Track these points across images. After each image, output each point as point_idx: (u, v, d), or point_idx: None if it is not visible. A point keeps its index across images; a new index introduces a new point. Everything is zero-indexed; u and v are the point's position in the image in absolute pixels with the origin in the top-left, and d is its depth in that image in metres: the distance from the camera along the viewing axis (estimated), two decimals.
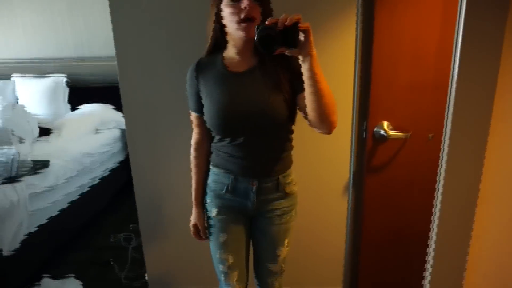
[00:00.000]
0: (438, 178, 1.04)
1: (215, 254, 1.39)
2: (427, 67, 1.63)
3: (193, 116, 1.35)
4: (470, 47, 0.92)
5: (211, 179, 1.36)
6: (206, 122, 1.26)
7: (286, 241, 1.41)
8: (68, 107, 3.57)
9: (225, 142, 1.27)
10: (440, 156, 1.05)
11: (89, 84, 3.61)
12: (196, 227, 1.42)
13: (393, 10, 1.58)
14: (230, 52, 1.23)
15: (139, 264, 2.40)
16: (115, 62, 1.76)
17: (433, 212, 1.11)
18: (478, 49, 0.92)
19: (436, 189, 1.08)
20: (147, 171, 1.89)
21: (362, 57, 1.69)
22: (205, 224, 1.42)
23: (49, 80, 3.50)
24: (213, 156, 1.35)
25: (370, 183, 1.80)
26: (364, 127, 1.75)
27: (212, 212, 1.36)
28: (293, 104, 1.22)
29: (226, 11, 1.14)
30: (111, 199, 3.26)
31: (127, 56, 1.73)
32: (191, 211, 1.42)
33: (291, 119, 1.25)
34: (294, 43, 1.00)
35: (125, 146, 3.46)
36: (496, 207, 1.01)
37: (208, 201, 1.37)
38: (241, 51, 1.21)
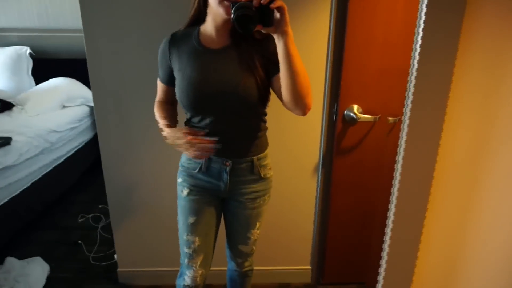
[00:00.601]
0: (396, 160, 1.08)
1: (182, 236, 1.36)
2: (397, 52, 1.65)
3: (160, 85, 1.35)
4: (430, 33, 0.95)
5: (184, 158, 1.34)
6: (177, 97, 1.25)
7: (258, 225, 1.41)
8: (32, 80, 3.39)
9: (196, 119, 1.26)
10: (400, 140, 1.09)
11: (55, 57, 3.43)
12: (184, 131, 1.20)
13: (364, 1, 1.57)
14: (208, 28, 1.20)
15: (108, 244, 2.37)
16: (81, 34, 1.67)
17: (391, 193, 1.16)
18: (438, 34, 0.95)
19: (395, 171, 1.12)
20: (117, 149, 1.84)
21: (335, 40, 1.69)
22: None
23: (10, 51, 3.30)
24: None
25: (339, 164, 1.84)
26: (335, 109, 1.77)
27: (184, 191, 1.33)
28: (265, 87, 1.20)
29: None
30: (79, 177, 3.17)
31: (94, 28, 1.65)
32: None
33: (263, 101, 1.24)
34: (270, 21, 1.00)
35: (94, 123, 3.36)
36: (449, 192, 1.06)
37: (180, 180, 1.35)
38: (218, 29, 1.18)
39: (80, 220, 2.70)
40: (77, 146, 3.10)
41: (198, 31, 1.22)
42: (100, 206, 2.81)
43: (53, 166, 2.76)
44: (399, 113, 1.74)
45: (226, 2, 1.08)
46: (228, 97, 1.17)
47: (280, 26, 1.01)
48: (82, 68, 2.02)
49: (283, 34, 1.02)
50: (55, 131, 2.80)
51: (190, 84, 1.19)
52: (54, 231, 2.59)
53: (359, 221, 1.94)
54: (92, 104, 3.28)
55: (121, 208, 1.96)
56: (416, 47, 1.00)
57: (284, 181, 1.91)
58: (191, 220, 1.33)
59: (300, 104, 1.11)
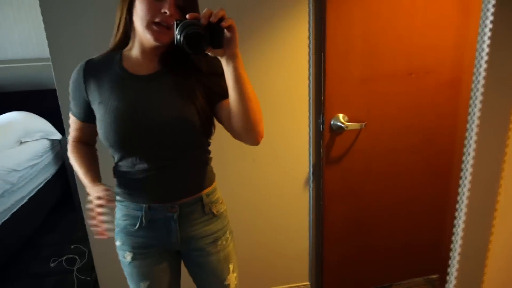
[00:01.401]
0: (464, 164, 1.08)
1: None
2: (377, 58, 1.69)
3: (75, 122, 1.11)
4: (498, 39, 0.95)
5: (119, 215, 1.12)
6: (101, 136, 1.02)
7: (231, 267, 1.19)
8: None
9: (128, 162, 1.05)
10: (466, 144, 1.10)
11: (5, 90, 3.18)
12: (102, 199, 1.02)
13: (342, 5, 1.60)
14: (133, 52, 1.02)
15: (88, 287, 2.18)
16: (33, 64, 1.54)
17: (459, 197, 1.16)
18: (506, 40, 0.95)
19: (462, 176, 1.13)
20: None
21: (316, 51, 1.69)
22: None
23: None
24: (117, 183, 1.11)
25: (329, 174, 1.83)
26: (321, 120, 1.77)
27: (126, 256, 1.13)
28: (207, 116, 1.04)
29: (141, 6, 0.93)
30: (45, 218, 2.92)
31: (63, 57, 1.53)
32: None
33: (206, 133, 1.07)
34: (219, 42, 0.86)
35: (56, 156, 3.13)
36: None
37: (118, 243, 1.14)
38: (146, 52, 1.01)
39: (53, 264, 2.46)
40: (40, 184, 2.86)
41: (121, 56, 1.04)
42: (72, 247, 2.59)
43: (15, 208, 2.51)
44: (384, 118, 1.77)
45: (155, 27, 0.93)
46: (165, 130, 0.99)
47: (229, 48, 0.86)
48: (37, 99, 1.86)
49: (233, 56, 0.88)
50: (15, 170, 2.57)
51: (117, 117, 0.98)
52: (24, 280, 2.34)
53: (354, 229, 1.93)
54: (52, 136, 3.07)
55: (103, 245, 1.80)
56: (481, 55, 1.00)
57: (275, 196, 1.87)
58: (143, 286, 1.14)
59: (252, 132, 0.97)
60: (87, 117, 1.07)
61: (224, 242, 1.17)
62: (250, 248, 1.92)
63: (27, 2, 3.17)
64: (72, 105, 1.09)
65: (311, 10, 1.63)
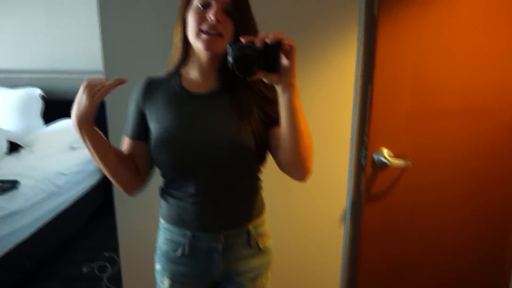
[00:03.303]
0: None
1: None
2: (429, 92, 1.58)
3: (127, 141, 1.05)
4: None
5: (161, 238, 1.09)
6: (153, 155, 0.99)
7: None
8: (41, 121, 3.35)
9: (178, 184, 1.01)
10: None
11: (66, 98, 3.40)
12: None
13: (395, 33, 1.53)
14: (191, 69, 1.02)
15: None
16: (95, 75, 1.62)
17: None
18: None
19: None
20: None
21: (363, 79, 1.63)
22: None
23: (21, 92, 3.28)
24: (162, 206, 1.09)
25: (368, 212, 1.71)
26: (363, 153, 1.68)
27: (164, 282, 1.09)
28: (263, 139, 0.99)
29: (190, 18, 0.94)
30: (85, 222, 3.03)
31: (115, 70, 1.60)
32: None
33: (260, 157, 1.01)
34: (275, 66, 0.81)
35: None
36: None
37: (158, 266, 1.11)
38: (204, 69, 0.99)
39: (85, 269, 2.52)
40: (84, 189, 2.99)
41: (179, 74, 1.03)
42: (106, 254, 2.65)
43: (58, 210, 2.63)
44: (432, 157, 1.64)
45: (203, 36, 0.91)
46: (219, 151, 0.95)
47: (286, 76, 0.82)
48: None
49: (289, 86, 0.83)
50: (63, 174, 2.71)
51: (171, 136, 0.96)
52: (57, 282, 2.41)
53: (391, 274, 1.78)
54: None
55: (133, 256, 1.81)
56: None
57: (306, 232, 1.77)
58: None
59: (299, 167, 0.93)
60: (140, 133, 1.03)
61: (264, 280, 1.11)
62: (276, 282, 1.83)
63: (95, 21, 3.42)
64: (128, 123, 1.05)
65: (360, 38, 1.57)
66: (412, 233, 1.72)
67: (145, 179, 1.08)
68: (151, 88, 1.03)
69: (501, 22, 1.52)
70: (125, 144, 1.06)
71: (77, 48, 3.42)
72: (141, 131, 1.03)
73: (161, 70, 1.11)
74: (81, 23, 3.36)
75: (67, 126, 3.17)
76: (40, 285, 2.38)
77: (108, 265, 2.53)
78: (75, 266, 2.57)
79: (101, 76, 1.61)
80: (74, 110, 0.91)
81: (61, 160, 2.82)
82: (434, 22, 1.51)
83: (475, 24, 1.52)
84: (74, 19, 3.38)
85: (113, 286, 2.30)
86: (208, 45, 0.92)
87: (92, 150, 0.95)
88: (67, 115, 3.29)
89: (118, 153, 1.01)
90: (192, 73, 1.02)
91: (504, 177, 1.67)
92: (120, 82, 0.91)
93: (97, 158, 0.97)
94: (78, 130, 0.93)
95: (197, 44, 0.94)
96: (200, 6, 0.92)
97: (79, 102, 0.90)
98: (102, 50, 1.57)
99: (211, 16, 0.90)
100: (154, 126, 1.00)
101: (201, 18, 0.92)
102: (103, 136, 0.97)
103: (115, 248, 2.39)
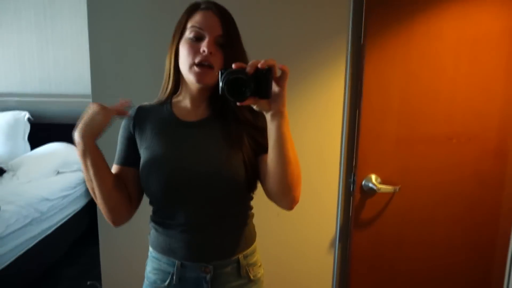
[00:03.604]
0: None
1: None
2: (415, 119, 1.61)
3: (117, 170, 1.03)
4: None
5: (149, 268, 1.07)
6: (142, 183, 0.98)
7: None
8: (27, 145, 3.31)
9: (167, 212, 1.00)
10: None
11: (53, 122, 3.38)
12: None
13: (381, 61, 1.57)
14: (182, 98, 1.02)
15: None
16: (83, 99, 1.62)
17: None
18: None
19: None
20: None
21: (350, 108, 1.65)
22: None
23: (8, 116, 3.25)
24: (151, 234, 1.07)
25: (358, 238, 1.70)
26: (352, 179, 1.68)
27: None
28: (253, 168, 0.98)
29: (183, 50, 0.94)
30: (68, 249, 2.93)
31: (102, 94, 1.60)
32: None
33: (251, 185, 0.99)
34: (267, 92, 0.81)
35: (88, 190, 3.20)
36: None
37: None
38: (194, 98, 1.00)
39: None
40: (68, 215, 2.91)
41: (171, 102, 1.03)
42: (88, 283, 2.55)
43: (41, 237, 2.55)
44: (420, 183, 1.65)
45: (196, 68, 0.92)
46: (209, 180, 0.94)
47: (276, 103, 0.82)
48: None
49: (279, 114, 0.83)
50: (47, 199, 2.64)
51: (160, 163, 0.95)
52: None
53: None
54: None
55: (116, 285, 1.75)
56: None
57: (296, 258, 1.75)
58: None
59: (287, 196, 0.91)
60: (130, 160, 1.01)
61: None
62: None
63: (84, 45, 3.45)
64: (118, 151, 1.04)
65: (348, 67, 1.61)
66: (401, 258, 1.71)
67: (135, 208, 1.06)
68: (142, 115, 1.03)
69: (483, 51, 1.57)
70: (116, 172, 1.03)
71: (66, 72, 3.43)
72: (132, 157, 1.02)
73: (149, 96, 1.11)
74: (71, 47, 3.38)
75: (54, 150, 3.12)
76: None
77: None
78: None
79: (90, 101, 1.61)
80: (83, 126, 0.91)
81: (45, 185, 2.76)
82: (418, 51, 1.56)
83: (458, 53, 1.57)
84: (64, 43, 3.40)
85: None
86: (200, 78, 0.93)
87: (91, 172, 0.93)
88: (54, 139, 3.28)
89: (115, 178, 0.99)
90: (184, 102, 1.02)
91: (488, 203, 1.68)
92: (127, 104, 0.96)
93: (95, 182, 0.94)
94: (82, 147, 0.91)
95: (189, 77, 0.94)
96: (193, 38, 0.93)
97: (92, 119, 0.91)
98: (90, 74, 1.58)
99: (204, 48, 0.91)
100: (144, 153, 0.99)
101: (194, 51, 0.92)
102: (104, 158, 0.96)
103: (99, 276, 2.31)
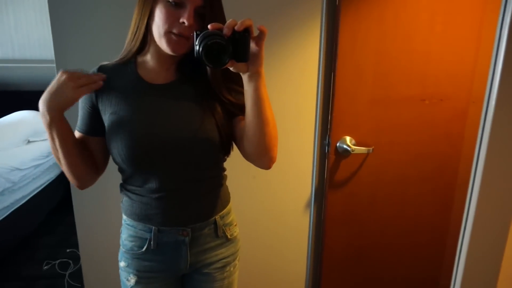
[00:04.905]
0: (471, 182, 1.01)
1: None
2: (389, 81, 1.62)
3: (79, 138, 0.98)
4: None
5: (125, 235, 1.05)
6: (111, 151, 0.94)
7: None
8: None
9: (139, 179, 0.97)
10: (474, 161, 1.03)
11: (19, 89, 3.22)
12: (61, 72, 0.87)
13: (356, 22, 1.54)
14: (149, 59, 0.95)
15: None
16: (50, 65, 1.54)
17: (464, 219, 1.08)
18: None
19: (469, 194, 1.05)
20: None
21: (326, 70, 1.63)
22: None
23: None
24: (124, 202, 1.04)
25: (332, 199, 1.74)
26: (327, 141, 1.70)
27: (130, 280, 1.04)
28: (226, 130, 0.96)
29: (159, 13, 0.86)
30: (45, 218, 2.90)
31: (67, 58, 1.52)
32: None
33: (225, 149, 0.98)
34: (244, 55, 0.77)
35: None
36: None
37: (122, 263, 1.06)
38: (163, 61, 0.94)
39: (46, 267, 2.42)
40: (42, 184, 2.85)
41: (135, 63, 0.96)
42: (68, 250, 2.55)
43: (15, 207, 2.50)
44: (392, 145, 1.69)
45: (173, 37, 0.86)
46: (181, 145, 0.92)
47: (254, 65, 0.79)
48: None
49: (257, 75, 0.81)
50: (18, 169, 2.57)
51: (131, 130, 0.91)
52: (15, 282, 2.30)
53: (355, 257, 1.83)
54: None
55: (93, 252, 1.75)
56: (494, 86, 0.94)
57: (273, 220, 1.79)
58: None
59: (265, 157, 0.91)
60: (90, 128, 0.97)
61: (231, 268, 1.10)
62: (242, 271, 1.84)
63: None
64: (80, 118, 0.99)
65: (323, 28, 1.58)
66: (374, 216, 1.78)
67: (101, 173, 1.04)
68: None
69: (457, 11, 1.57)
70: (80, 139, 0.98)
71: (30, 36, 3.23)
72: (95, 127, 0.97)
73: (113, 57, 1.04)
74: (34, 10, 3.17)
75: (22, 118, 3.00)
76: None
77: (71, 261, 2.44)
78: (36, 264, 2.46)
79: (53, 65, 1.52)
80: (49, 98, 0.86)
81: (15, 154, 2.67)
82: (394, 11, 1.54)
83: (432, 15, 1.56)
84: (26, 7, 3.17)
85: (76, 283, 2.23)
86: (175, 48, 0.87)
87: (57, 143, 0.90)
88: (22, 106, 3.14)
89: (81, 147, 0.96)
90: (151, 62, 0.95)
91: (457, 162, 1.75)
92: (103, 79, 0.90)
93: (60, 152, 0.91)
94: (48, 120, 0.87)
95: (161, 42, 0.88)
96: (173, 3, 0.85)
97: (59, 90, 0.85)
98: (52, 37, 1.48)
99: (184, 20, 0.84)
100: (109, 119, 0.93)
101: (172, 19, 0.85)
102: (71, 128, 0.92)
103: (77, 244, 2.32)
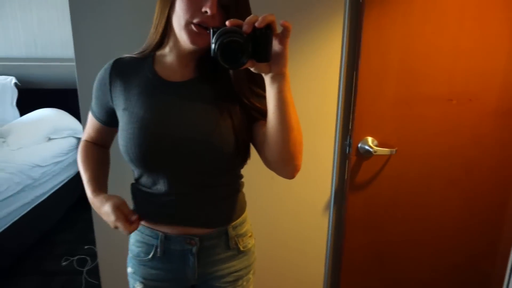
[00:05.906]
0: None
1: None
2: (414, 80, 1.55)
3: (93, 122, 1.01)
4: None
5: (132, 240, 1.02)
6: (121, 147, 0.90)
7: None
8: (16, 111, 3.22)
9: (148, 181, 0.93)
10: None
11: (42, 87, 3.28)
12: (118, 209, 0.88)
13: (381, 22, 1.49)
14: (167, 54, 0.90)
15: None
16: (72, 64, 1.54)
17: None
18: None
19: None
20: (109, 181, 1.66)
21: (348, 69, 1.58)
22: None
23: None
24: (133, 204, 1.01)
25: (352, 200, 1.69)
26: (348, 142, 1.65)
27: (136, 286, 1.02)
28: (244, 135, 0.89)
29: (180, 2, 0.82)
30: (64, 215, 2.94)
31: (87, 58, 1.52)
32: None
33: (242, 154, 0.90)
34: (266, 55, 0.70)
35: None
36: None
37: (129, 270, 1.04)
38: (182, 56, 0.89)
39: (64, 263, 2.45)
40: (62, 181, 2.89)
41: (153, 58, 0.92)
42: (86, 247, 2.57)
43: (35, 204, 2.54)
44: (417, 145, 1.62)
45: (193, 27, 0.80)
46: (194, 148, 0.86)
47: (276, 65, 0.72)
48: (71, 98, 1.89)
49: (280, 76, 0.73)
50: (39, 166, 2.60)
51: (141, 128, 0.86)
52: (34, 277, 2.33)
53: (375, 261, 1.77)
54: (80, 136, 3.11)
55: (110, 249, 1.75)
56: None
57: (291, 221, 1.75)
58: None
59: (288, 165, 0.83)
60: (108, 120, 0.97)
61: (244, 283, 1.03)
62: (260, 272, 1.80)
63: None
64: (94, 104, 0.99)
65: (346, 24, 1.53)
66: (395, 221, 1.71)
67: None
68: (119, 72, 0.92)
69: (489, 8, 1.49)
70: (94, 126, 1.03)
71: (52, 35, 3.28)
72: (110, 118, 0.96)
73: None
74: (56, 9, 3.22)
75: (44, 116, 3.05)
76: (17, 281, 2.30)
77: (88, 258, 2.46)
78: (54, 260, 2.49)
79: (73, 64, 1.52)
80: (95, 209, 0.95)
81: (37, 152, 2.71)
82: (420, 7, 1.48)
83: (462, 10, 1.49)
84: (49, 5, 3.23)
85: (93, 279, 2.24)
86: (195, 40, 0.82)
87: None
88: (43, 104, 3.19)
89: (104, 166, 1.06)
90: (169, 58, 0.90)
91: (489, 164, 1.66)
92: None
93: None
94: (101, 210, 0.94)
95: (181, 35, 0.83)
96: None
97: (103, 216, 0.92)
98: (72, 36, 1.48)
99: (207, 9, 0.79)
100: (122, 116, 0.90)
101: (194, 8, 0.80)
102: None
103: (95, 241, 2.33)
